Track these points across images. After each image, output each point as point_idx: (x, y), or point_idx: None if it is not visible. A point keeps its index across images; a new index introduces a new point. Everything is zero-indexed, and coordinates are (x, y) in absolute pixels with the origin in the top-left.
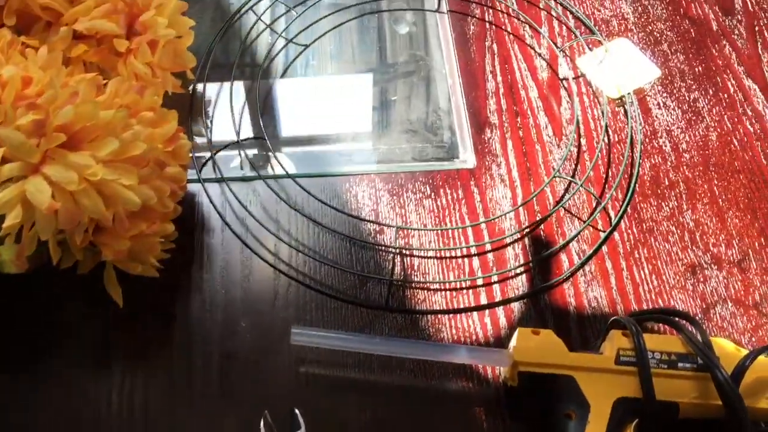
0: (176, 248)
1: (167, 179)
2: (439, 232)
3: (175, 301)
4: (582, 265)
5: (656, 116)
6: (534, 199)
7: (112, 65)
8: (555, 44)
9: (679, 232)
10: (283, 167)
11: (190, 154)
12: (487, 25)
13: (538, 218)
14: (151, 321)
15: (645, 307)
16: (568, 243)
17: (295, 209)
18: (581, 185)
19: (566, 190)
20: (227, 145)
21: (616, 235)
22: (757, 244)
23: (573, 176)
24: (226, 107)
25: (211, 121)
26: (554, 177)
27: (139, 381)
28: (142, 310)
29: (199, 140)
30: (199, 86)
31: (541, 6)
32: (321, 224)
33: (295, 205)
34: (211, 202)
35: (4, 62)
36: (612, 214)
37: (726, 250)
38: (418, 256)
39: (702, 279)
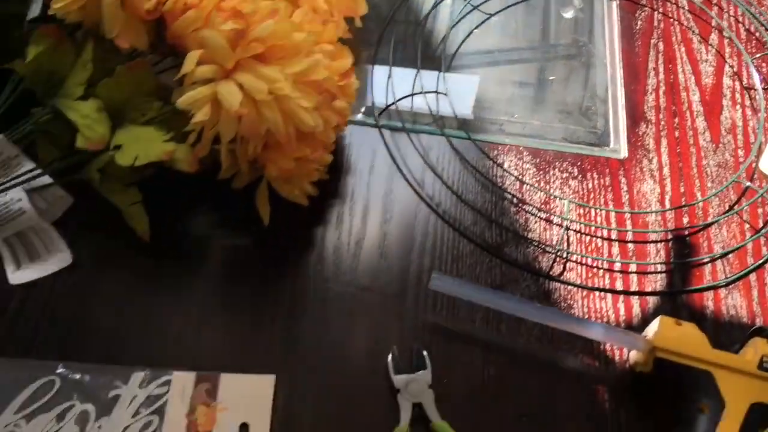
0: (324, 185)
1: (335, 111)
2: (588, 210)
3: (316, 231)
4: (730, 283)
5: None
6: (687, 204)
7: None
8: (743, 50)
9: None
10: (465, 131)
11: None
12: (656, 22)
13: (685, 222)
14: (291, 246)
15: None
16: (728, 253)
17: (474, 167)
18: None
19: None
20: (406, 96)
21: (764, 250)
22: None
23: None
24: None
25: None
26: (733, 182)
27: (272, 298)
28: (284, 235)
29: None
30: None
31: (722, 11)
32: (492, 182)
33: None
34: (386, 145)
35: None
36: None
37: None
38: (575, 231)
39: None
